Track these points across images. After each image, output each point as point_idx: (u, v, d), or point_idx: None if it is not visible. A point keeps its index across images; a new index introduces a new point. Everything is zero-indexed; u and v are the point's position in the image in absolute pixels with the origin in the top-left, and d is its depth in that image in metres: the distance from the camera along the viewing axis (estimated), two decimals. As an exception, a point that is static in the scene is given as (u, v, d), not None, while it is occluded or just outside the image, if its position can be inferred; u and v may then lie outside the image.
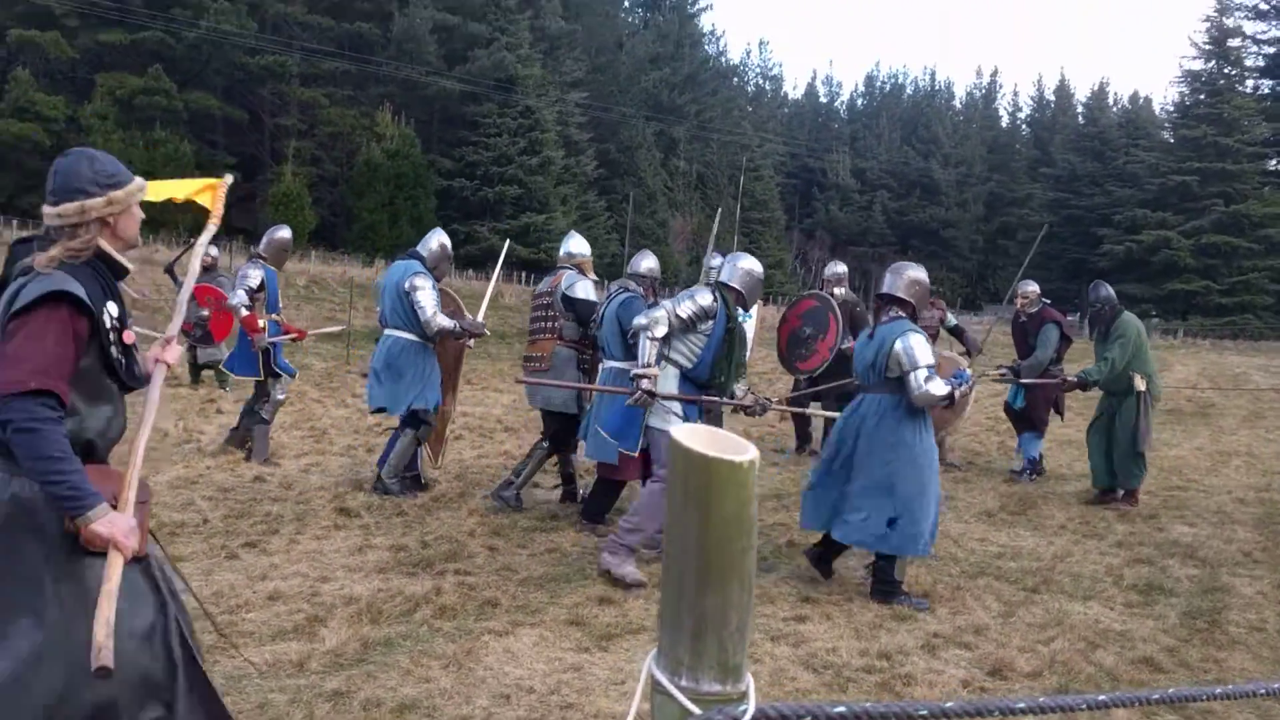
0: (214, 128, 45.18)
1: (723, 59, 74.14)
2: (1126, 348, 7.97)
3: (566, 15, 55.77)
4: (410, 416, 7.00)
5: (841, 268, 9.99)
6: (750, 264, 5.88)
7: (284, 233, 8.38)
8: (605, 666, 4.18)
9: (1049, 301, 9.31)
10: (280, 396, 8.23)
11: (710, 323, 5.50)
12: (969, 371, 5.92)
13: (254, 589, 4.88)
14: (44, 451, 2.32)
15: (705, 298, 5.51)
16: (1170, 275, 53.71)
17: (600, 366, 6.64)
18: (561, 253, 7.25)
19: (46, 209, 2.57)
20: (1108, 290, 8.40)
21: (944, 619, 5.11)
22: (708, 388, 5.61)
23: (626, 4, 68.07)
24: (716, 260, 8.07)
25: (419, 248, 7.30)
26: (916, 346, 5.21)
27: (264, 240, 8.24)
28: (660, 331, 5.40)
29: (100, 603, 2.28)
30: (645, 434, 5.76)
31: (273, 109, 46.05)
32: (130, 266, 2.67)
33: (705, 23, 73.84)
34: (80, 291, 2.45)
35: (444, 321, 6.92)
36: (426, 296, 6.89)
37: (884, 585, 5.36)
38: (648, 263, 6.91)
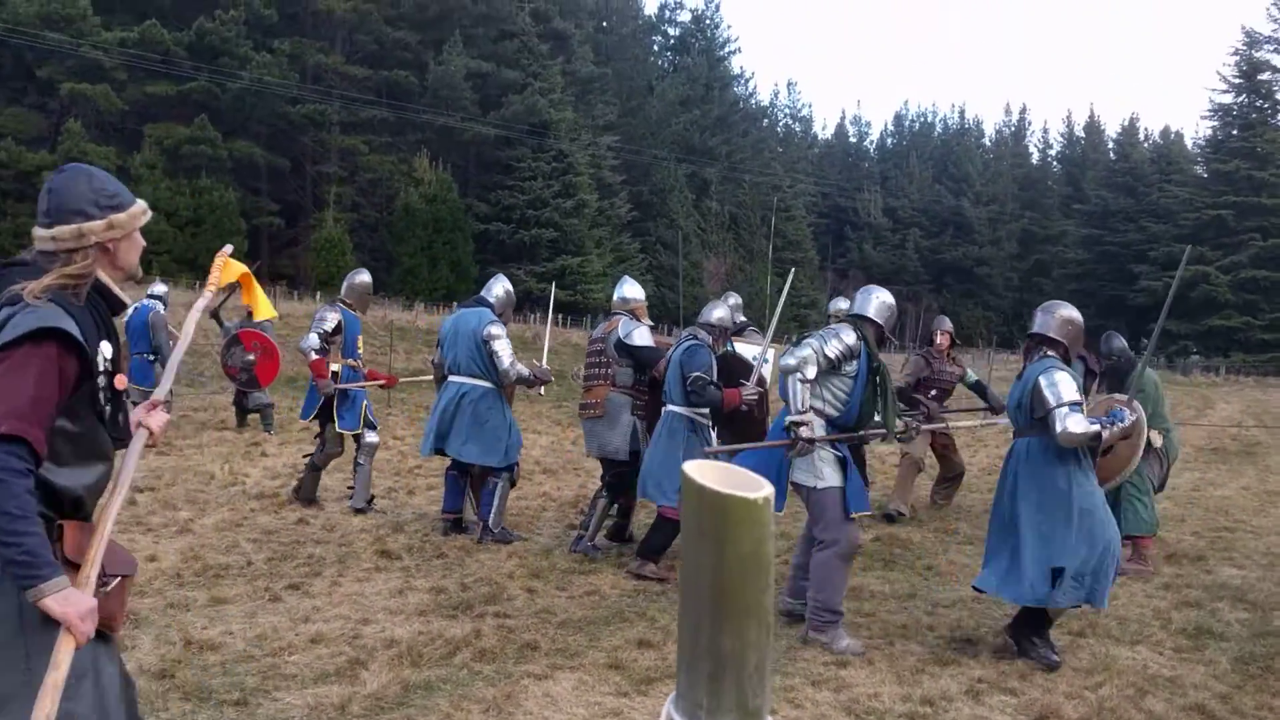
0: (257, 175, 46.05)
1: (752, 100, 74.57)
2: (1146, 403, 7.37)
3: (598, 60, 56.48)
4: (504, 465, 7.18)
5: (735, 299, 8.99)
6: (884, 295, 5.61)
7: (364, 276, 8.30)
8: (645, 711, 4.18)
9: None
10: (373, 440, 8.09)
11: (854, 363, 5.25)
12: (1126, 411, 5.45)
13: (296, 631, 4.95)
14: (2, 506, 2.02)
15: (849, 335, 5.25)
16: (1210, 311, 53.01)
17: (663, 411, 6.56)
18: (615, 298, 7.23)
19: (39, 231, 2.28)
20: (1121, 342, 8.09)
21: (988, 664, 5.04)
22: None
23: (656, 48, 68.77)
24: (841, 304, 8.17)
25: (486, 295, 7.40)
26: (1060, 383, 4.95)
27: (345, 285, 8.21)
28: (811, 373, 5.11)
29: (42, 695, 1.99)
30: (792, 491, 5.43)
31: (314, 156, 46.88)
32: (128, 301, 2.44)
33: (734, 65, 74.41)
34: (73, 328, 2.17)
35: (523, 370, 7.09)
36: (503, 346, 7.01)
37: (1028, 635, 5.12)
38: (719, 312, 6.76)
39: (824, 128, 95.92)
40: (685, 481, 1.11)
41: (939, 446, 9.16)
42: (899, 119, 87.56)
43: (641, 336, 6.92)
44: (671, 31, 68.95)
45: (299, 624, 5.07)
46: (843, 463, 5.23)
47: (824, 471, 5.13)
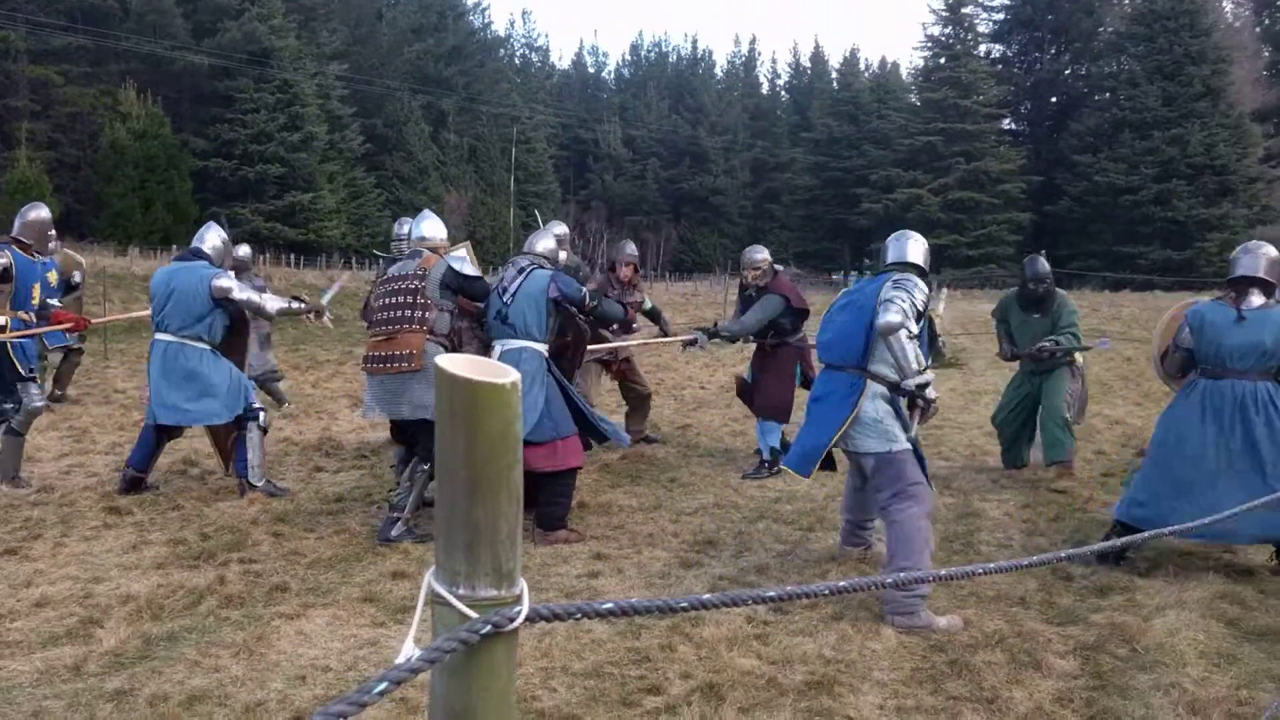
0: (-71, 110, 41.05)
1: (488, 31, 73.29)
2: (1076, 320, 7.72)
3: (322, -16, 53.74)
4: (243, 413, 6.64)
5: (561, 228, 8.45)
6: (921, 238, 5.19)
7: (41, 211, 7.31)
8: (402, 638, 4.18)
9: (781, 269, 8.10)
10: (37, 404, 6.94)
11: (921, 321, 4.77)
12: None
13: (18, 597, 4.59)
14: None
15: (923, 285, 4.80)
16: (923, 230, 56.71)
17: (497, 350, 5.88)
18: (414, 235, 6.42)
19: None
20: (1046, 266, 7.90)
21: (728, 562, 5.39)
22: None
23: (384, -27, 66.20)
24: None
25: (200, 245, 6.77)
26: None
27: (17, 222, 7.15)
28: (914, 327, 4.61)
29: None
30: (859, 459, 4.93)
31: (-1, 89, 42.24)
32: None
33: (467, -7, 72.63)
34: None
35: (278, 304, 6.85)
36: (244, 292, 6.61)
37: None
38: (546, 243, 6.33)
39: (560, 58, 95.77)
40: (438, 373, 1.18)
41: (621, 372, 8.74)
42: (635, 49, 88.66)
43: (471, 269, 6.11)
44: (399, -44, 66.48)
45: (20, 589, 4.72)
46: (904, 422, 4.80)
47: (895, 433, 4.72)
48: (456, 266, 5.97)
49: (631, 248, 9.09)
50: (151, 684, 3.67)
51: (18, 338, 6.85)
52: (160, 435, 6.76)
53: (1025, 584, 4.93)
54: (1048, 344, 7.51)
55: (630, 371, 8.75)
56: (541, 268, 6.04)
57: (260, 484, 6.68)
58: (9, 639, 4.10)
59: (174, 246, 26.40)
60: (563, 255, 8.07)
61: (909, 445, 4.73)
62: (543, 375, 5.79)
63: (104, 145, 40.41)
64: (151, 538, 5.65)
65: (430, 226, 6.42)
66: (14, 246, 7.03)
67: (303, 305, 7.11)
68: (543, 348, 5.87)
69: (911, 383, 4.60)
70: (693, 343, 8.01)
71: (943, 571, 2.06)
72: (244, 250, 10.48)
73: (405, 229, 8.08)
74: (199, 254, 6.75)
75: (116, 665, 3.87)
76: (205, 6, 46.05)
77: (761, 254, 7.89)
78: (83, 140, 43.12)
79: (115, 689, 3.62)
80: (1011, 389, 8.01)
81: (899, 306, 4.53)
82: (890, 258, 5.03)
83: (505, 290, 5.92)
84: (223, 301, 6.55)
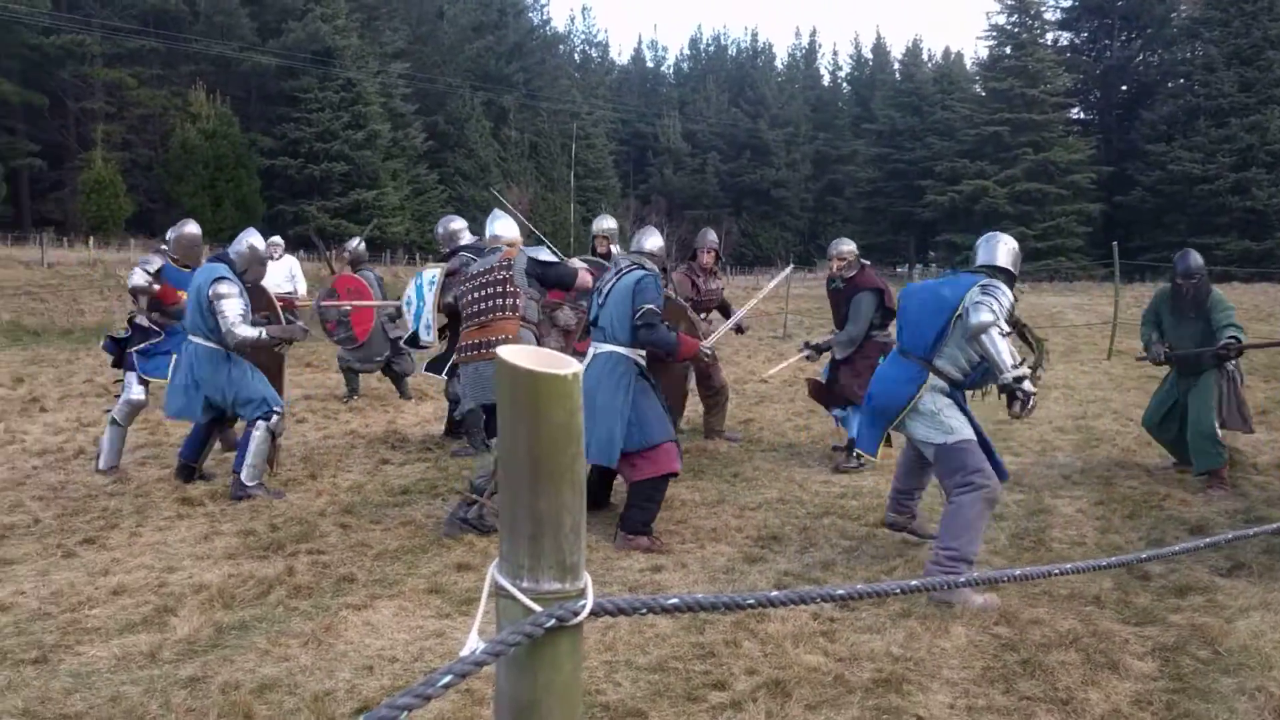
0: (11, 114, 42.32)
1: (548, 28, 73.66)
2: (1234, 317, 7.03)
3: (384, -17, 54.43)
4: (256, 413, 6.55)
5: (610, 223, 8.79)
6: (1010, 240, 5.22)
7: (191, 227, 7.78)
8: (468, 630, 4.20)
9: (868, 263, 8.05)
10: (137, 397, 7.25)
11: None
12: None
13: (96, 585, 4.70)
14: None
15: (1008, 290, 4.86)
16: (990, 223, 56.42)
17: (593, 349, 5.85)
18: (488, 234, 6.45)
19: None
20: (1199, 260, 7.20)
21: (793, 558, 5.34)
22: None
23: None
24: (608, 223, 7.47)
25: (230, 249, 6.80)
26: None
27: (170, 237, 7.68)
28: (1005, 326, 4.71)
29: None
30: (919, 444, 4.99)
31: (76, 92, 43.44)
32: None
33: (527, -10, 72.99)
34: None
35: (249, 333, 6.40)
36: (231, 306, 6.36)
37: None
38: (655, 240, 6.21)
39: (620, 54, 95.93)
40: (500, 364, 1.18)
41: (706, 368, 8.52)
42: (694, 43, 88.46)
43: (549, 255, 6.24)
44: (459, -45, 67.04)
45: (98, 577, 4.83)
46: (966, 413, 4.89)
47: (952, 425, 4.78)
48: (536, 256, 6.06)
49: (713, 235, 8.95)
50: (223, 672, 3.73)
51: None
52: (210, 428, 6.86)
53: (1100, 582, 4.80)
54: (1231, 340, 6.78)
55: (713, 367, 8.60)
56: (641, 267, 5.89)
57: (251, 485, 6.45)
58: (88, 625, 4.20)
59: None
60: (615, 249, 8.13)
61: (970, 436, 4.78)
62: (630, 381, 5.62)
63: (175, 145, 41.40)
64: (223, 528, 5.75)
65: (503, 225, 6.47)
66: (169, 260, 7.50)
67: (273, 338, 6.73)
68: (631, 352, 5.70)
69: (1009, 376, 4.65)
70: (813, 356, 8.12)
71: (1017, 571, 2.00)
72: (358, 244, 11.14)
73: (452, 227, 8.24)
74: (224, 257, 6.73)
75: (190, 653, 3.94)
76: (271, 7, 46.93)
77: (848, 245, 7.87)
78: (155, 140, 44.25)
79: (189, 676, 3.68)
80: (1161, 394, 7.42)
81: (989, 306, 4.63)
82: (980, 259, 5.11)
83: (600, 291, 5.89)
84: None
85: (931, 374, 4.81)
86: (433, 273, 7.52)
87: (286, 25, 46.34)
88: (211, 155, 40.95)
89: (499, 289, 5.92)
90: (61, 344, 16.45)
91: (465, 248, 7.81)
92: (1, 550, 5.25)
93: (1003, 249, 5.10)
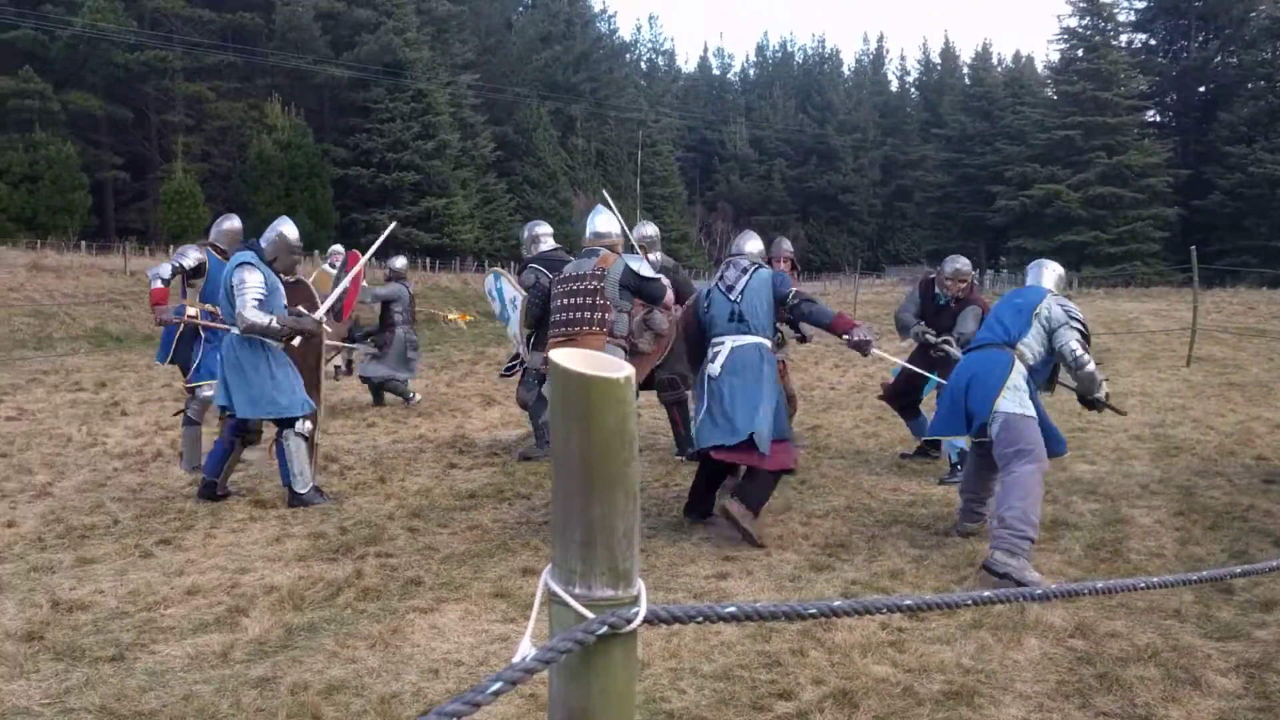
0: (97, 128, 43.64)
1: (614, 37, 74.02)
2: None
3: (453, -4, 55.17)
4: (286, 422, 6.38)
5: (651, 229, 8.53)
6: (1057, 266, 6.04)
7: (234, 221, 8.03)
8: (531, 634, 4.21)
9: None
10: (208, 394, 7.24)
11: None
12: None
13: (171, 585, 4.81)
14: None
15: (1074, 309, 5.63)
16: (1063, 228, 55.42)
17: (727, 346, 5.76)
18: (588, 233, 6.32)
19: None
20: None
21: (860, 566, 5.25)
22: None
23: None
24: (753, 244, 7.16)
25: (260, 238, 6.72)
26: None
27: (213, 229, 8.03)
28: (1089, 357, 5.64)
29: None
30: (996, 420, 5.34)
31: (158, 106, 44.68)
32: None
33: (595, 1, 73.48)
34: None
35: (256, 318, 6.15)
36: (245, 290, 6.18)
37: None
38: (757, 244, 6.26)
39: (686, 61, 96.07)
40: (553, 367, 1.17)
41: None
42: (760, 50, 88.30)
43: (648, 269, 6.13)
44: (527, -34, 67.74)
45: (173, 578, 4.94)
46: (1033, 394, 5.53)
47: (1026, 400, 5.38)
48: (635, 267, 6.02)
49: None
50: (293, 673, 3.78)
51: (209, 327, 7.43)
52: (233, 444, 6.62)
53: (1180, 596, 4.65)
54: None
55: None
56: (762, 267, 6.03)
57: (305, 492, 6.41)
58: (163, 625, 4.29)
59: (315, 253, 27.37)
60: (654, 256, 8.02)
61: (1035, 414, 5.39)
62: (774, 372, 5.77)
63: (252, 156, 42.33)
64: (293, 531, 5.84)
65: (604, 222, 6.37)
66: (211, 250, 7.76)
67: (278, 329, 6.35)
68: (769, 344, 5.83)
69: (1101, 394, 5.74)
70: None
71: (1099, 584, 1.93)
72: (400, 261, 11.74)
73: (536, 231, 8.22)
74: (253, 245, 6.63)
75: (260, 653, 4.00)
76: (344, 22, 47.82)
77: (965, 264, 7.83)
78: (232, 151, 45.33)
79: (259, 676, 3.73)
80: None
81: (1078, 336, 5.55)
82: (1029, 283, 5.89)
83: (731, 289, 5.89)
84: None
85: (1016, 356, 5.48)
86: (512, 292, 7.55)
87: (359, 39, 47.20)
88: (286, 165, 41.78)
89: (590, 299, 5.97)
90: (143, 349, 16.91)
91: (540, 257, 7.83)
92: (83, 550, 5.40)
93: (1048, 273, 5.90)
